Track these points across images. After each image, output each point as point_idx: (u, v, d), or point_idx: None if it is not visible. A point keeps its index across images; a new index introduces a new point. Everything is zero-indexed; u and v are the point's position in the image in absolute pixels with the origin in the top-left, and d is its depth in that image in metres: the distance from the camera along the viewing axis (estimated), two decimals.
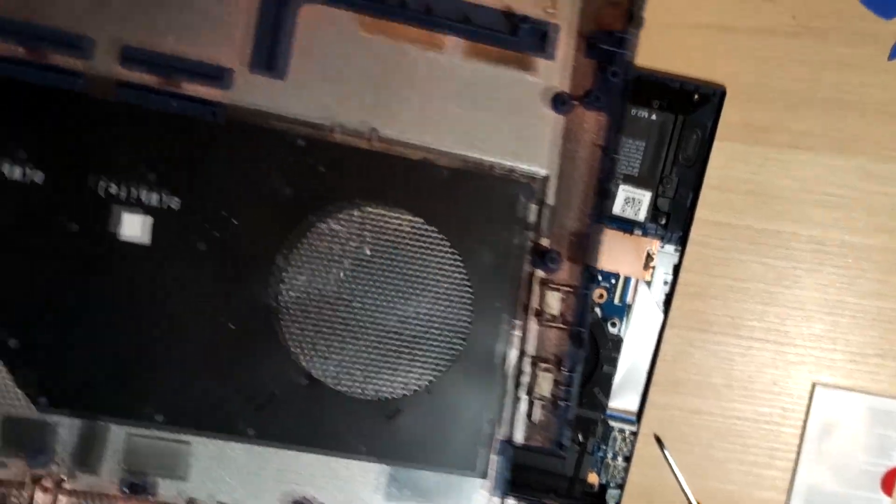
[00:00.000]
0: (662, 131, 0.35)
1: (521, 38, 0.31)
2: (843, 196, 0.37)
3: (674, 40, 0.36)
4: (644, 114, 0.35)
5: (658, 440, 0.38)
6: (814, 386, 0.38)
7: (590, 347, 0.36)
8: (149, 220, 0.29)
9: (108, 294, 0.29)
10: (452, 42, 0.31)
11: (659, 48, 0.36)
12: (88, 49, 0.29)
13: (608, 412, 0.36)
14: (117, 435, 0.30)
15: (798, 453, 0.38)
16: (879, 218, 0.37)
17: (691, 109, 0.35)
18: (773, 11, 0.36)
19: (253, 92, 0.29)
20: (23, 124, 0.28)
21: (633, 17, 0.31)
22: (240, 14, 0.29)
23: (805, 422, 0.38)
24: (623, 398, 0.37)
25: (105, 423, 0.30)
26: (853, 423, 0.37)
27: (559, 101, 0.32)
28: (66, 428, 0.30)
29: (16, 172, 0.28)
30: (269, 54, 0.29)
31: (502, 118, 0.32)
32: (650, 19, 0.35)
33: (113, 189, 0.29)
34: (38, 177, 0.29)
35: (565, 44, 0.32)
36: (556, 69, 0.32)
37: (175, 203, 0.29)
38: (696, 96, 0.35)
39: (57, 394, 0.29)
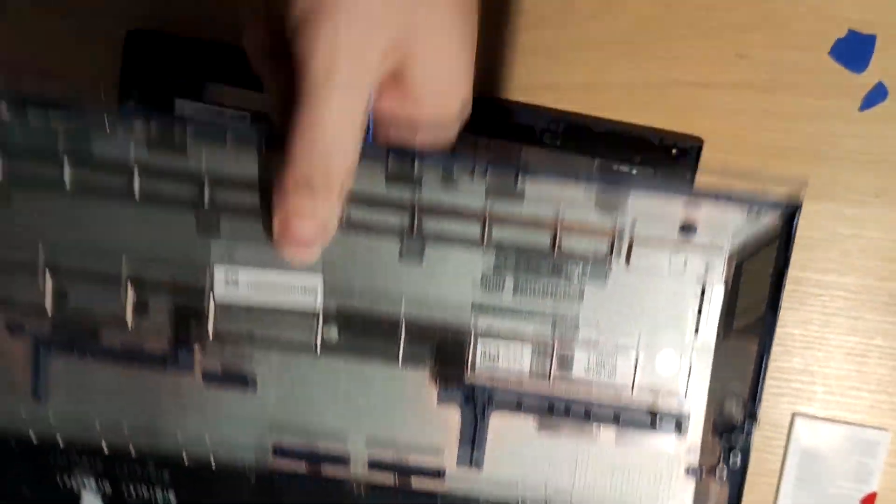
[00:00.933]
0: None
1: (660, 428, 0.34)
2: (818, 238, 0.39)
3: (653, 97, 0.39)
4: (625, 168, 0.38)
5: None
6: (793, 416, 0.40)
7: None
8: None
9: None
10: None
11: (639, 104, 0.39)
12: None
13: None
14: None
15: (780, 479, 0.40)
16: (851, 258, 0.39)
17: (670, 162, 0.38)
18: (748, 67, 0.38)
19: (459, 481, 0.34)
20: None
21: (751, 414, 0.33)
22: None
23: (786, 450, 0.40)
24: None
25: None
26: (831, 451, 0.40)
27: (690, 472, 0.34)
28: None
29: None
30: (472, 451, 0.34)
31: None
32: (630, 76, 0.38)
33: None
34: None
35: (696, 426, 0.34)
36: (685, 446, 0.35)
37: None
38: (674, 150, 0.38)
39: None
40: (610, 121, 0.39)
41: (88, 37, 0.42)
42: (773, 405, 0.40)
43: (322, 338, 0.32)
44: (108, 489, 0.34)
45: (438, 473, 0.35)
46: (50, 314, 0.32)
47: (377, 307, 0.32)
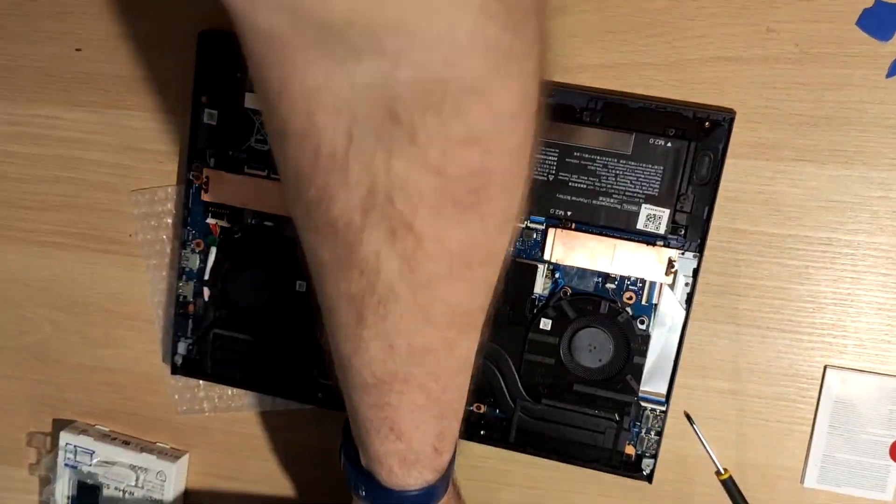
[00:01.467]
0: (678, 156, 0.40)
1: None
2: (848, 201, 0.41)
3: (686, 73, 0.41)
4: (661, 142, 0.40)
5: (687, 416, 0.44)
6: (825, 368, 0.43)
7: (623, 342, 0.43)
8: None
9: None
10: None
11: (673, 81, 0.41)
12: None
13: (640, 395, 0.43)
14: None
15: (813, 426, 0.43)
16: (881, 220, 0.41)
17: (703, 135, 0.40)
18: (777, 41, 0.40)
19: None
20: None
21: None
22: None
23: (818, 399, 0.43)
24: (654, 383, 0.43)
25: None
26: (862, 400, 0.42)
27: None
28: None
29: None
30: None
31: None
32: (665, 55, 0.41)
33: None
34: None
35: None
36: None
37: None
38: (707, 123, 0.40)
39: None
40: (645, 97, 0.41)
41: (162, 40, 0.46)
42: (805, 358, 0.43)
43: None
44: None
45: None
46: None
47: None
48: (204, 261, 0.46)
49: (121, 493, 0.48)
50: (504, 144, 0.27)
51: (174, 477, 0.48)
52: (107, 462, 0.48)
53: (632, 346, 0.42)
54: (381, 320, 0.29)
